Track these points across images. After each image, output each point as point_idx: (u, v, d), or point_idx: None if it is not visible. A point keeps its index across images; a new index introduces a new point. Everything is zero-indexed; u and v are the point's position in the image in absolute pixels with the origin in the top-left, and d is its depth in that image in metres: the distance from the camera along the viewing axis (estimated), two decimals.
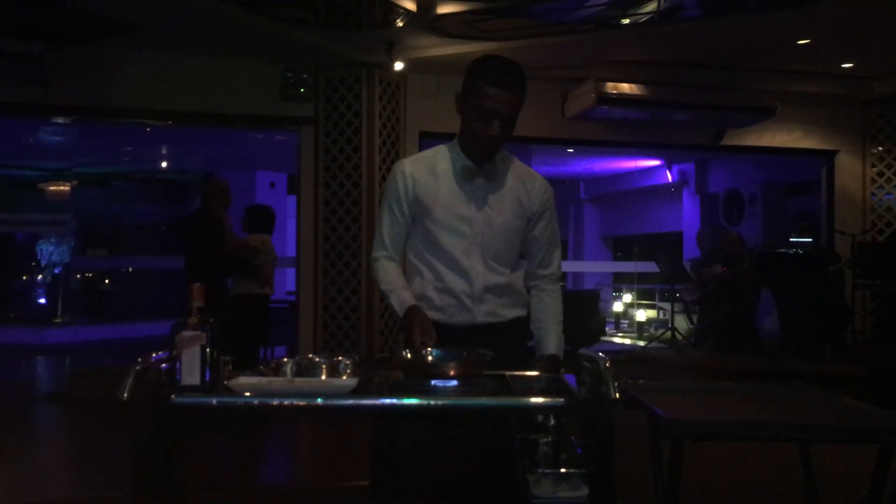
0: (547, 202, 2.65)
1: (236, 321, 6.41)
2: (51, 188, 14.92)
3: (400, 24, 6.72)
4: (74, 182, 15.00)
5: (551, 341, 2.59)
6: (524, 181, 2.63)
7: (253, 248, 6.62)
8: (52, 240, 15.63)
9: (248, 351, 6.51)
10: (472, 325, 2.57)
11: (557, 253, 2.72)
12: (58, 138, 11.54)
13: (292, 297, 8.58)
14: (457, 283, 2.56)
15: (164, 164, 14.59)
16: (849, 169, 9.71)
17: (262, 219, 6.93)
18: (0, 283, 15.50)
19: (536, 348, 2.61)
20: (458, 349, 2.26)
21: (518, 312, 2.66)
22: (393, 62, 7.43)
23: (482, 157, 2.55)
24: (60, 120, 8.54)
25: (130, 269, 16.36)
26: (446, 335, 2.50)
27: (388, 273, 2.61)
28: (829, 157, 9.76)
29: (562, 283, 2.67)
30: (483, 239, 2.56)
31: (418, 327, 2.38)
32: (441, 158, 2.60)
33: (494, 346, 2.34)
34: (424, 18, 6.62)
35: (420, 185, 2.56)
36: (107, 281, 16.35)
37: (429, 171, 2.58)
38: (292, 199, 11.37)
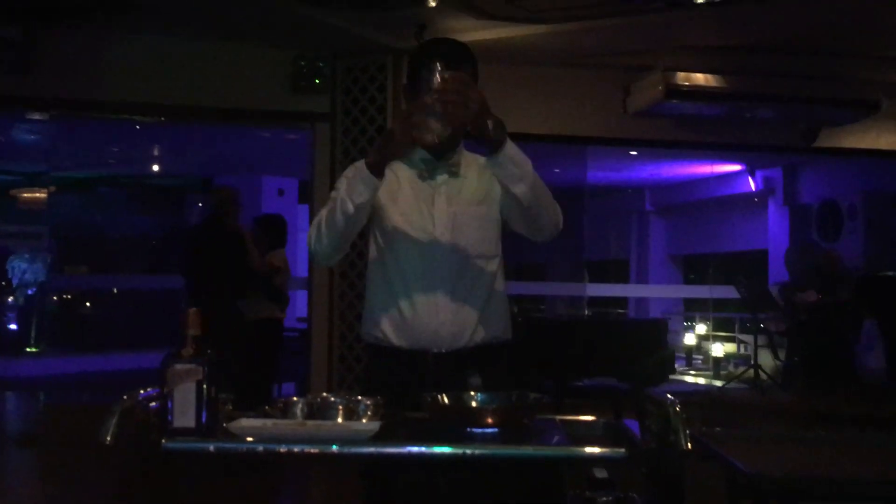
0: None
1: (254, 350, 6.50)
2: (24, 195, 15.13)
3: (433, 4, 6.76)
4: (52, 188, 15.20)
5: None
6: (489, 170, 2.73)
7: (277, 269, 6.70)
8: (26, 255, 15.84)
9: (263, 385, 6.57)
10: (442, 344, 2.60)
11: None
12: (33, 137, 11.72)
13: (303, 325, 8.62)
14: (420, 294, 2.60)
15: (155, 168, 14.76)
16: None
17: (277, 232, 7.01)
18: None
19: None
20: (504, 392, 2.27)
21: (498, 333, 2.72)
22: None
23: (442, 149, 2.63)
24: (37, 115, 8.68)
25: (115, 291, 16.52)
26: (414, 364, 2.57)
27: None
28: None
29: None
30: (452, 235, 2.62)
31: (399, 124, 2.41)
32: (399, 162, 2.68)
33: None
34: None
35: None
36: (88, 304, 16.53)
37: (387, 168, 2.62)
38: (304, 208, 11.45)
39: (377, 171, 2.44)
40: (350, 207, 2.46)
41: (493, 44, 7.30)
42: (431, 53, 2.65)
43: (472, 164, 2.72)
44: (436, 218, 2.63)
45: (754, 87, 8.47)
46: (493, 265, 2.71)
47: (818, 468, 2.36)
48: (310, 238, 2.60)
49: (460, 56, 2.61)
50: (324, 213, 2.55)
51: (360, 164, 2.46)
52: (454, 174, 2.68)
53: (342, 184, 2.54)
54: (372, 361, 2.75)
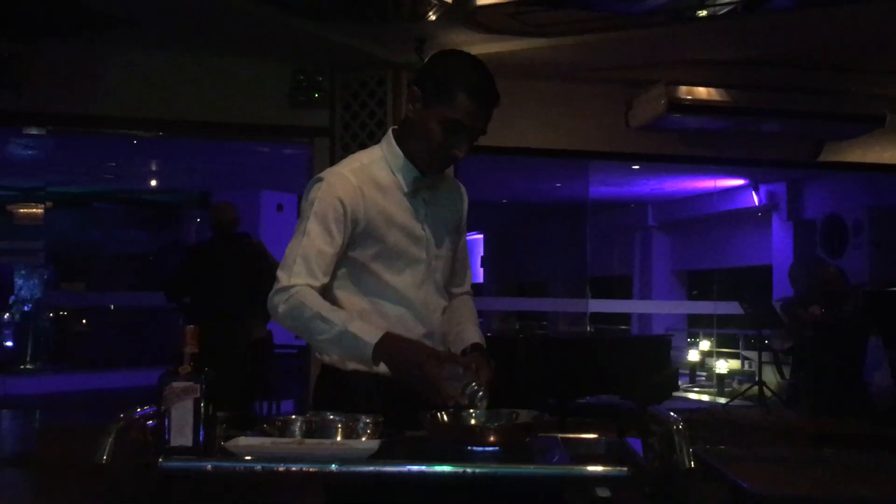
0: (466, 212, 2.73)
1: (256, 368, 6.68)
2: (21, 211, 15.15)
3: (432, 18, 6.78)
4: (48, 203, 15.22)
5: (473, 332, 2.59)
6: (450, 187, 2.69)
7: None
8: (22, 272, 15.84)
9: (252, 401, 6.73)
10: None
11: (469, 267, 2.81)
12: (30, 152, 11.74)
13: (302, 342, 8.61)
14: (414, 323, 2.51)
15: (153, 183, 14.76)
16: None
17: None
18: None
19: (454, 344, 2.56)
20: (507, 410, 2.26)
21: None
22: (423, 62, 7.48)
23: (433, 170, 2.54)
24: (33, 130, 8.70)
25: (112, 307, 16.50)
26: (404, 394, 2.35)
27: (316, 299, 2.38)
28: None
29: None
30: (437, 263, 2.57)
31: (435, 368, 2.25)
32: (380, 167, 2.53)
33: None
34: (462, 10, 6.67)
35: (370, 202, 2.47)
36: (84, 321, 16.50)
37: (373, 183, 2.49)
38: None
39: (375, 363, 2.33)
40: (325, 354, 2.46)
41: (492, 58, 7.30)
42: (467, 84, 2.41)
43: (443, 178, 2.64)
44: (426, 242, 2.55)
45: (758, 101, 8.49)
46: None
47: (824, 489, 2.36)
48: (274, 311, 2.41)
49: (495, 96, 2.44)
50: (298, 312, 2.36)
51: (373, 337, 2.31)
52: (433, 191, 2.58)
53: (314, 226, 2.42)
54: (353, 390, 2.47)
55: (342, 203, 2.43)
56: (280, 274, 2.42)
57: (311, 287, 2.39)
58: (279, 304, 2.38)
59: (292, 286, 2.37)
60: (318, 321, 2.34)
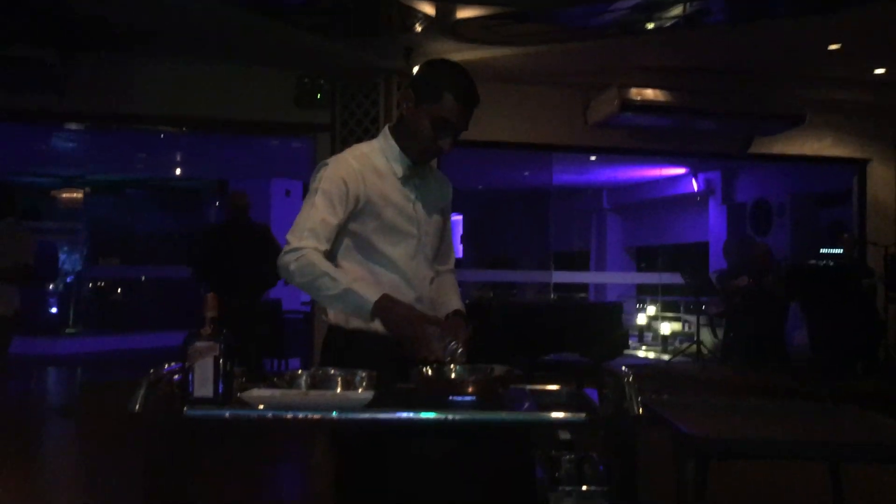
0: (451, 200, 2.73)
1: (265, 331, 6.77)
2: (63, 196, 15.05)
3: (418, 29, 6.75)
4: (87, 189, 15.12)
5: (456, 300, 2.63)
6: (438, 179, 2.70)
7: None
8: (65, 248, 15.75)
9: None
10: None
11: (452, 248, 2.81)
12: (71, 145, 11.64)
13: (307, 308, 8.61)
14: (406, 289, 2.51)
15: (177, 172, 14.67)
16: (881, 178, 9.64)
17: None
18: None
19: (440, 309, 2.57)
20: (483, 365, 2.26)
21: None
22: (411, 68, 7.44)
23: (423, 161, 2.56)
24: (74, 127, 8.64)
25: (143, 279, 16.44)
26: (394, 348, 2.38)
27: (324, 261, 2.38)
28: (860, 166, 9.70)
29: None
30: (426, 239, 2.57)
31: (422, 328, 2.29)
32: (378, 156, 2.54)
33: None
34: (444, 23, 6.64)
35: (370, 184, 2.48)
36: (119, 290, 16.44)
37: (372, 169, 2.51)
38: None
39: (371, 318, 2.33)
40: (328, 307, 2.45)
41: (469, 64, 7.24)
42: (454, 87, 2.43)
43: (431, 170, 2.66)
44: (418, 220, 2.55)
45: (697, 103, 8.50)
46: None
47: (750, 431, 2.38)
48: (285, 268, 2.39)
49: (476, 99, 2.47)
50: (308, 270, 2.34)
51: (363, 295, 2.31)
52: (423, 179, 2.59)
53: (320, 200, 2.41)
54: (354, 346, 2.48)
55: (345, 182, 2.44)
56: (290, 237, 2.41)
57: (318, 251, 2.38)
58: (290, 262, 2.37)
59: (302, 248, 2.37)
60: (326, 279, 2.34)
